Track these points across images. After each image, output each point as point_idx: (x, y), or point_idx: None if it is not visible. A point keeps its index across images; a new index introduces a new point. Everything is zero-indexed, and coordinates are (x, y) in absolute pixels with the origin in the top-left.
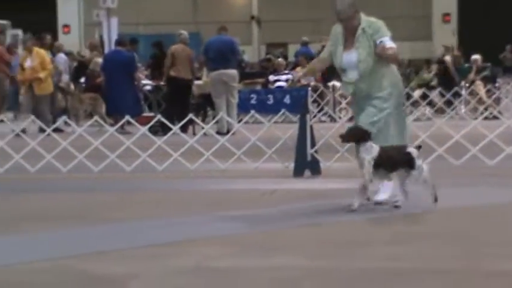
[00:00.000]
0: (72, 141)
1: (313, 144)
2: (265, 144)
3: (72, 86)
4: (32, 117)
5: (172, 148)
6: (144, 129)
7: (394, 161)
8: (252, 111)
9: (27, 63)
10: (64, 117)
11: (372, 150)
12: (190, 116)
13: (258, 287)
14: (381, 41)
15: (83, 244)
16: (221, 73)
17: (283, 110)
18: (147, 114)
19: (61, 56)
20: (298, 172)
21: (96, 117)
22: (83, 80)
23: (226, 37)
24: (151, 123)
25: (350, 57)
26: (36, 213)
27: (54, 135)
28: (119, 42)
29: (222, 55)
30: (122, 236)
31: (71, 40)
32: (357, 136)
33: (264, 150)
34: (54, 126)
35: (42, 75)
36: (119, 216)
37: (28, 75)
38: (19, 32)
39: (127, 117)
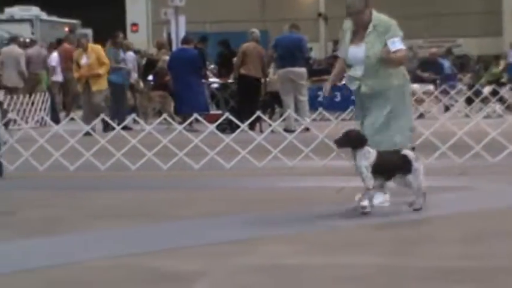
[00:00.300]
0: (141, 139)
1: None
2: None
3: (141, 84)
4: (102, 115)
5: (240, 146)
6: (212, 127)
7: (392, 166)
8: (320, 109)
9: (83, 61)
10: (133, 115)
11: (368, 155)
12: (258, 113)
13: (325, 285)
14: (391, 42)
15: (152, 241)
16: (289, 71)
17: (351, 107)
18: (214, 112)
19: (130, 54)
20: None
21: (164, 115)
22: (151, 78)
23: (295, 35)
24: (219, 121)
25: (357, 52)
26: (106, 211)
27: (124, 133)
28: (184, 40)
29: (290, 53)
30: (190, 233)
31: (139, 38)
32: (353, 141)
33: (332, 147)
34: (123, 124)
35: (101, 71)
36: (187, 214)
37: (85, 72)
38: (89, 31)
39: (195, 115)
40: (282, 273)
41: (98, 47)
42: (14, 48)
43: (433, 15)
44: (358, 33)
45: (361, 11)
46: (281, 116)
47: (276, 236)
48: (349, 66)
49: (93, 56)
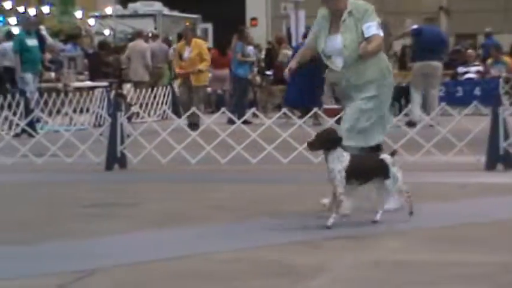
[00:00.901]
0: (260, 133)
1: (506, 137)
2: (456, 136)
3: (258, 78)
4: (223, 109)
5: None
6: (331, 121)
7: (367, 170)
8: (442, 103)
9: (185, 54)
10: (253, 109)
11: (342, 158)
12: None
13: (446, 282)
14: (366, 27)
15: (272, 235)
16: (426, 65)
17: (474, 102)
18: (335, 106)
19: (250, 49)
20: (490, 166)
21: (284, 109)
22: (269, 72)
23: (437, 28)
24: (339, 115)
25: (335, 43)
26: (227, 204)
27: (244, 126)
28: (305, 35)
29: (432, 46)
30: (310, 227)
31: (258, 33)
32: (326, 143)
33: (454, 142)
34: (243, 118)
35: (202, 66)
36: (307, 207)
37: (186, 65)
38: (209, 26)
39: (315, 110)
40: (401, 269)
41: (202, 42)
42: (140, 43)
43: None
44: (335, 21)
45: None
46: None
47: (394, 232)
48: (328, 57)
49: (195, 50)
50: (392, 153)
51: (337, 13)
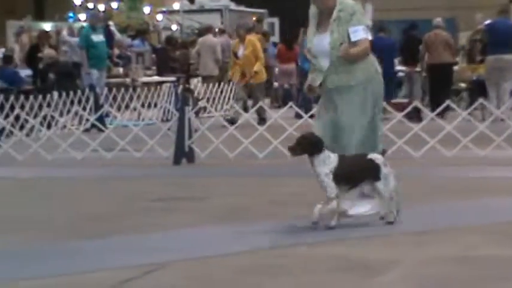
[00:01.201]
0: None
1: None
2: None
3: None
4: (290, 103)
5: (428, 135)
6: (399, 116)
7: (357, 172)
8: None
9: (240, 52)
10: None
11: (328, 160)
12: (447, 102)
13: None
14: (353, 31)
15: (339, 230)
16: (497, 58)
17: None
18: (402, 100)
19: None
20: None
21: None
22: None
23: (510, 21)
24: (407, 109)
25: (322, 43)
26: (294, 198)
27: (311, 121)
28: (380, 29)
29: (505, 39)
30: (376, 222)
31: None
32: (309, 147)
33: None
34: (311, 112)
35: (256, 68)
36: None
37: (242, 64)
38: (275, 20)
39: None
40: (470, 264)
41: (255, 40)
42: (210, 38)
43: None
44: (323, 20)
45: None
46: (481, 104)
47: (467, 227)
48: (315, 57)
49: (249, 48)
50: (382, 153)
51: (325, 11)
